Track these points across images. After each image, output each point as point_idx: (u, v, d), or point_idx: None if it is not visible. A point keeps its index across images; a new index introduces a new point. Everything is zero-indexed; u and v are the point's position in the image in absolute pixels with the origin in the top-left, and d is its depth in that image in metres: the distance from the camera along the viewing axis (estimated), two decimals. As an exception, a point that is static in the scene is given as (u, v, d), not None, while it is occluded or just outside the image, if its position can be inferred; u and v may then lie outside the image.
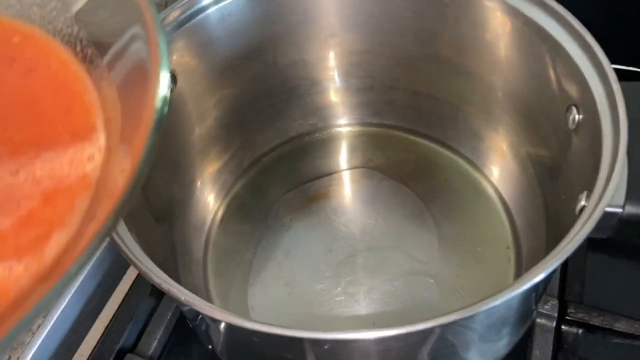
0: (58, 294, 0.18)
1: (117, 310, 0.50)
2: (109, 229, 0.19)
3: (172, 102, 0.47)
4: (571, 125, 0.38)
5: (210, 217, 0.54)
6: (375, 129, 0.59)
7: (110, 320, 0.49)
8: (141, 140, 0.20)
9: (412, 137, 0.58)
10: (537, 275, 0.29)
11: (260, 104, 0.55)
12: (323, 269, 0.50)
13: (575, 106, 0.38)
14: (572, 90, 0.38)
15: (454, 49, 0.48)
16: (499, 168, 0.53)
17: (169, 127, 0.47)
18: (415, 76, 0.54)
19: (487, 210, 0.52)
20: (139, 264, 0.34)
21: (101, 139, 0.25)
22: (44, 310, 0.18)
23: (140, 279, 0.52)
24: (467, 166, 0.55)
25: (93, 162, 0.24)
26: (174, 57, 0.44)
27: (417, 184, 0.54)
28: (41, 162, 0.24)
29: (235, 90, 0.53)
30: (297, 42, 0.53)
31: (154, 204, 0.45)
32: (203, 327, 0.40)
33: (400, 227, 0.52)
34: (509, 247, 0.49)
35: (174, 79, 0.44)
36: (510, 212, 0.51)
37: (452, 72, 0.51)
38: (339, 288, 0.49)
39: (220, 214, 0.55)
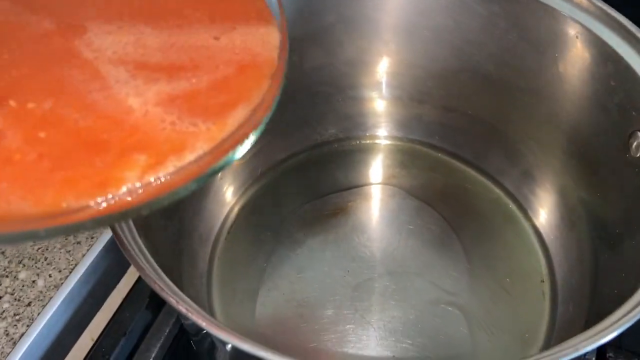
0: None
1: (108, 323, 0.45)
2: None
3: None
4: (634, 153, 0.35)
5: (218, 225, 0.50)
6: (400, 143, 0.55)
7: (101, 334, 0.44)
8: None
9: (440, 155, 0.54)
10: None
11: (280, 108, 0.51)
12: (338, 292, 0.45)
13: (641, 132, 0.34)
14: (637, 113, 0.35)
15: (498, 63, 0.45)
16: (533, 196, 0.49)
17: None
18: (448, 90, 0.51)
19: (520, 240, 0.48)
20: (147, 270, 0.29)
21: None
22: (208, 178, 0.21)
23: (137, 289, 0.47)
24: (497, 190, 0.51)
25: (277, 50, 0.26)
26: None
27: (443, 207, 0.50)
28: (239, 34, 0.26)
29: (256, 91, 0.49)
30: (326, 45, 0.49)
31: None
32: (206, 346, 0.35)
33: (425, 251, 0.47)
34: (543, 281, 0.45)
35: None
36: (545, 242, 0.47)
37: (492, 89, 0.47)
38: (354, 314, 0.44)
39: (229, 222, 0.50)
